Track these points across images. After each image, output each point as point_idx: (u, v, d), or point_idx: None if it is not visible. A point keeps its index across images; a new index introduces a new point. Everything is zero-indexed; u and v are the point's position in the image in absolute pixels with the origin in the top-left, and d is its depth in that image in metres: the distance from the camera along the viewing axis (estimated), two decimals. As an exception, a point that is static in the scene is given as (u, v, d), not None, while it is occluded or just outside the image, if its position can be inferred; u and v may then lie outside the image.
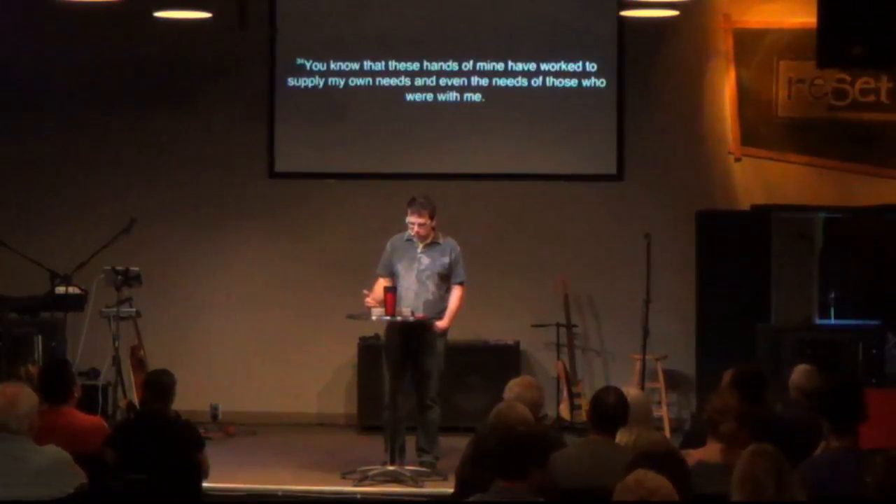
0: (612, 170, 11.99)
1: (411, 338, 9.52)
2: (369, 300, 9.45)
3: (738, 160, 11.90)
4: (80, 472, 5.93)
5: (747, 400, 6.45)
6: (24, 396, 5.96)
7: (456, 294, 9.68)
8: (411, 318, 9.37)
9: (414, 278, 9.57)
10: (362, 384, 11.49)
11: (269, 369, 11.98)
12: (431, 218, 9.59)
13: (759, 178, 11.89)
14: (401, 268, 9.63)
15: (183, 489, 6.79)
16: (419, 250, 9.65)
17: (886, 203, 11.44)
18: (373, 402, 10.72)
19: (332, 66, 12.08)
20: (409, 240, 9.68)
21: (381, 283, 9.64)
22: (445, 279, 9.67)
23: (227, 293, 12.09)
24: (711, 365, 10.53)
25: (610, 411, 6.35)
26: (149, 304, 11.21)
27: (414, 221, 9.57)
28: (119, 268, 10.72)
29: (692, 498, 4.89)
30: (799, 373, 7.82)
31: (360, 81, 12.07)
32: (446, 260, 9.65)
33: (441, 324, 9.57)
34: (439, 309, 9.61)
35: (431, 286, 9.61)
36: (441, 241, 9.70)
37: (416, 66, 12.05)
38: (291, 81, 12.10)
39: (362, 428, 11.41)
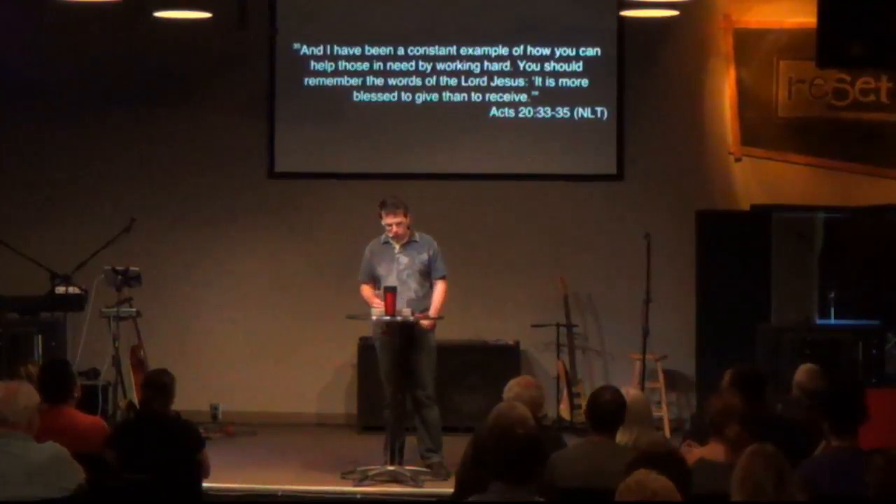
0: (612, 170, 12.00)
1: (405, 337, 9.52)
2: (376, 303, 9.48)
3: (738, 160, 11.90)
4: (79, 469, 5.93)
5: (747, 400, 6.44)
6: (25, 392, 5.99)
7: (439, 288, 9.68)
8: (411, 319, 9.37)
9: (395, 279, 9.57)
10: (362, 384, 11.49)
11: (269, 369, 11.98)
12: (406, 216, 9.60)
13: (759, 178, 11.89)
14: (381, 270, 9.64)
15: (183, 489, 6.79)
16: (396, 251, 9.65)
17: (886, 203, 11.44)
18: (373, 402, 10.73)
19: (333, 66, 12.09)
20: (386, 242, 9.69)
21: (367, 289, 9.67)
22: (426, 276, 9.67)
23: (227, 293, 12.09)
24: (711, 365, 10.54)
25: (606, 409, 6.35)
26: (149, 304, 11.21)
27: (391, 222, 9.57)
28: (119, 268, 10.72)
29: (693, 497, 4.88)
30: (803, 372, 7.81)
31: (360, 81, 12.08)
32: (424, 256, 9.65)
33: (427, 322, 9.56)
34: (424, 306, 9.61)
35: (413, 284, 9.61)
36: (417, 238, 9.70)
37: (417, 65, 12.06)
38: (292, 81, 12.11)
39: (362, 428, 11.41)
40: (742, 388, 6.79)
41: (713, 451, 6.18)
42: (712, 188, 11.89)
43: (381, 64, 12.08)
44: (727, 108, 11.90)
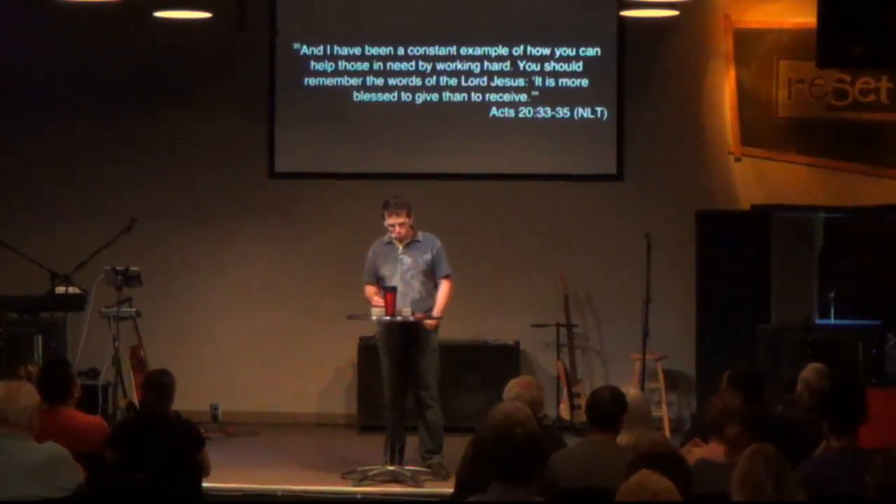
0: (612, 170, 12.00)
1: (407, 338, 9.51)
2: (376, 301, 9.47)
3: (738, 160, 11.90)
4: (79, 469, 5.93)
5: (746, 399, 6.44)
6: (26, 391, 6.00)
7: (444, 288, 9.66)
8: (411, 319, 9.36)
9: (398, 279, 9.56)
10: (362, 384, 11.49)
11: (269, 369, 11.98)
12: (408, 216, 9.59)
13: (759, 178, 11.89)
14: (385, 271, 9.63)
15: (183, 489, 6.79)
16: (399, 251, 9.64)
17: (886, 203, 11.44)
18: (373, 402, 10.73)
19: (333, 66, 12.09)
20: (389, 243, 9.68)
21: (370, 289, 9.67)
22: (430, 276, 9.66)
23: (227, 293, 12.10)
24: (711, 365, 10.55)
25: (604, 405, 6.35)
26: (149, 304, 11.20)
27: (394, 223, 9.56)
28: (119, 268, 10.71)
29: (693, 498, 4.88)
30: (811, 370, 7.76)
31: (360, 81, 12.08)
32: (428, 256, 9.64)
33: (431, 322, 9.55)
34: (427, 306, 9.59)
35: (416, 284, 9.60)
36: (420, 238, 9.69)
37: (417, 65, 12.06)
38: (292, 81, 12.11)
39: (362, 428, 11.41)
40: (741, 387, 6.79)
41: (713, 451, 6.18)
42: (712, 188, 11.89)
43: (381, 64, 12.08)
44: (727, 108, 11.90)
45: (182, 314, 12.04)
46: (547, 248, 11.95)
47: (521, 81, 12.02)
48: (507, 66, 12.01)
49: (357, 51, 12.08)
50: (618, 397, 6.39)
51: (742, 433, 6.10)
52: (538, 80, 12.02)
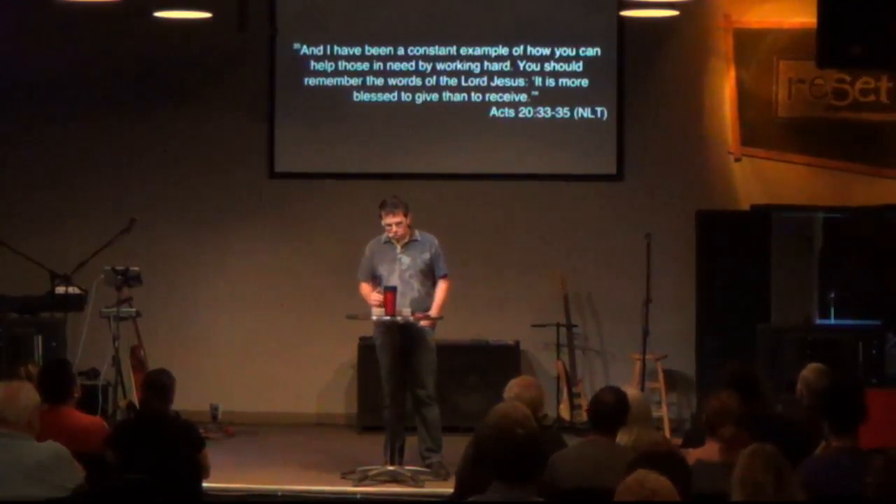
0: (612, 170, 12.00)
1: (405, 337, 9.52)
2: (374, 297, 9.47)
3: (738, 160, 11.90)
4: (79, 468, 5.94)
5: (744, 399, 6.44)
6: (25, 392, 6.01)
7: (441, 287, 9.67)
8: (412, 319, 9.37)
9: (397, 279, 9.56)
10: (362, 384, 11.49)
11: (269, 369, 11.98)
12: (406, 216, 9.59)
13: (759, 178, 11.89)
14: (383, 270, 9.63)
15: (183, 489, 6.79)
16: (398, 251, 9.64)
17: (886, 203, 11.44)
18: (373, 402, 10.73)
19: (333, 66, 12.10)
20: (388, 242, 9.67)
21: (367, 287, 9.67)
22: (429, 275, 9.66)
23: (227, 293, 12.10)
24: (711, 365, 10.55)
25: (608, 409, 6.35)
26: (149, 304, 11.21)
27: (391, 222, 9.56)
28: (119, 268, 10.71)
29: (692, 498, 4.88)
30: (811, 370, 7.77)
31: (360, 81, 12.08)
32: (426, 256, 9.64)
33: (427, 322, 9.55)
34: (426, 306, 9.60)
35: (416, 284, 9.61)
36: (418, 237, 9.69)
37: (417, 65, 12.06)
38: (292, 81, 12.11)
39: (362, 428, 11.41)
40: (738, 387, 6.79)
41: (709, 450, 6.18)
42: (712, 188, 11.89)
43: (381, 64, 12.08)
44: (727, 108, 11.90)
45: (182, 314, 12.04)
46: (547, 248, 11.96)
47: (521, 81, 12.02)
48: (507, 66, 12.02)
49: (357, 51, 12.08)
50: (621, 402, 6.38)
51: (737, 433, 6.10)
52: (538, 80, 12.02)
